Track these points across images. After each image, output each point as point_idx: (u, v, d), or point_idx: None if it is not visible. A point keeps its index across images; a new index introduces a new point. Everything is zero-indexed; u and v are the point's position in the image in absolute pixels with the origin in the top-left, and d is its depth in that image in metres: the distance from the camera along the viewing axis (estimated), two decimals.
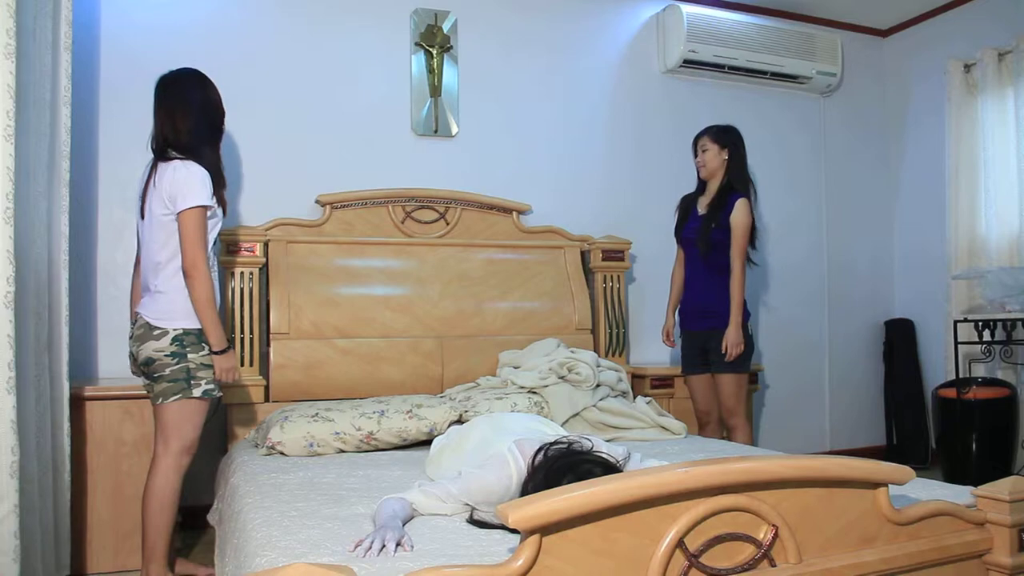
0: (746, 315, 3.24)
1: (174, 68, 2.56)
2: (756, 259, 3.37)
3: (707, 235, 3.20)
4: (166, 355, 2.37)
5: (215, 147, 2.54)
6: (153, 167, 2.46)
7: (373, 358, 3.26)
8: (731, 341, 3.12)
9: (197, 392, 2.39)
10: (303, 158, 3.51)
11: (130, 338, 2.48)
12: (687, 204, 3.40)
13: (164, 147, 2.45)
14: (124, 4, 3.27)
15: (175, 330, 2.38)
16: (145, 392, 2.58)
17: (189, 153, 2.42)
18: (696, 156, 3.33)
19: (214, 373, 2.43)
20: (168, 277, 2.41)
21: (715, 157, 3.25)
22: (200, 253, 2.36)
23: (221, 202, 2.50)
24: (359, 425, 2.71)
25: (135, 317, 2.49)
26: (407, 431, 2.75)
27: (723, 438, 3.28)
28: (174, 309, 2.39)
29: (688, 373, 3.36)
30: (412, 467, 2.40)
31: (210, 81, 2.57)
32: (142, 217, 2.49)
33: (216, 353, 2.41)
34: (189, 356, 2.38)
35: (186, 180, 2.37)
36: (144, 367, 2.43)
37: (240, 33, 3.45)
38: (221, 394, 2.52)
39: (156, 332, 2.38)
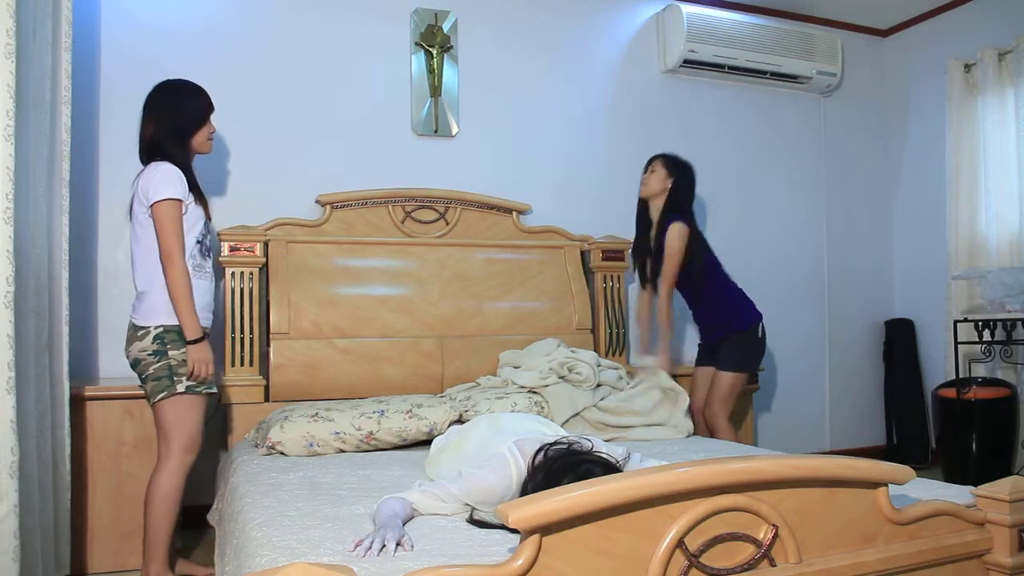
0: (758, 316, 3.27)
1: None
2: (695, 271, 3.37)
3: (658, 272, 3.30)
4: (149, 354, 2.39)
5: (183, 151, 2.54)
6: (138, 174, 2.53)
7: (373, 358, 3.26)
8: (662, 366, 3.23)
9: (180, 387, 2.39)
10: (303, 158, 3.51)
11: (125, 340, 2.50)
12: (640, 247, 3.43)
13: (141, 151, 2.55)
14: (124, 4, 3.27)
15: (156, 328, 2.39)
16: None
17: (160, 155, 2.48)
18: (644, 173, 3.38)
19: (192, 368, 2.42)
20: (146, 276, 2.44)
21: (659, 181, 3.29)
22: (175, 243, 2.38)
23: (201, 203, 2.53)
24: (359, 425, 2.71)
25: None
26: (407, 431, 2.75)
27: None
28: (154, 307, 2.41)
29: (696, 364, 3.46)
30: (412, 467, 2.40)
31: (188, 90, 2.59)
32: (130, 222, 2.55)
33: (191, 343, 2.40)
34: (170, 353, 2.39)
35: (156, 175, 2.42)
36: (134, 369, 2.45)
37: (240, 33, 3.45)
38: (214, 391, 2.51)
39: (140, 332, 2.40)
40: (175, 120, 2.53)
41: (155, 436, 2.75)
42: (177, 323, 2.41)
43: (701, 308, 3.39)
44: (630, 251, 3.57)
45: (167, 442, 2.42)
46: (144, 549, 2.42)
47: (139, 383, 2.50)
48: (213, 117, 2.64)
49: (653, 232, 3.32)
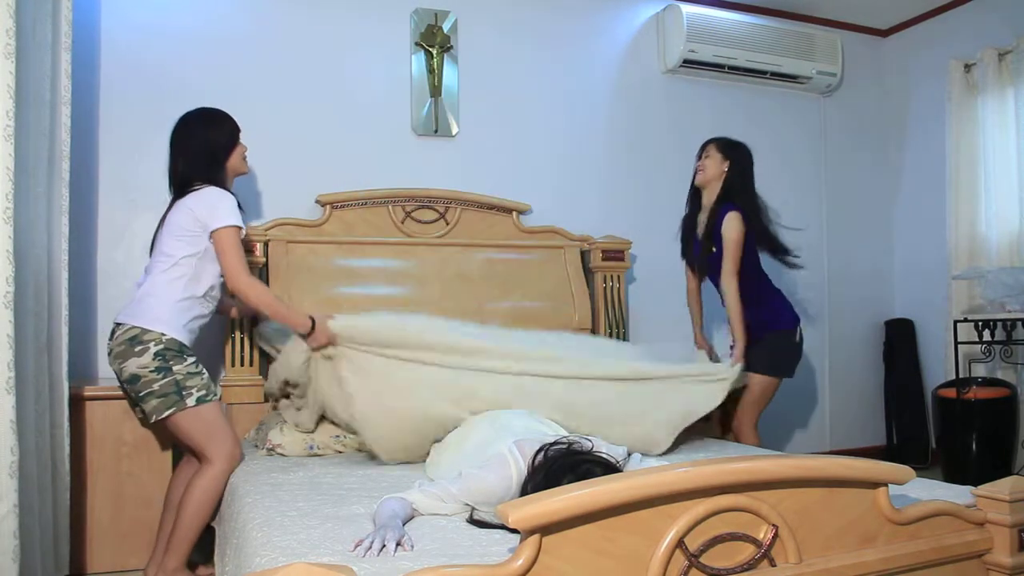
0: (796, 319, 3.17)
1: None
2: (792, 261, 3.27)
3: (704, 259, 3.18)
4: (151, 371, 2.35)
5: (219, 181, 2.55)
6: (170, 205, 2.53)
7: None
8: (737, 355, 3.05)
9: (191, 401, 2.37)
10: (303, 158, 3.51)
11: (109, 355, 2.46)
12: (688, 226, 3.32)
13: (173, 183, 2.57)
14: (124, 5, 3.27)
15: (156, 345, 2.36)
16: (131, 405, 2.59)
17: (199, 183, 2.49)
18: (698, 159, 3.26)
19: (201, 380, 2.42)
20: (168, 281, 2.43)
21: (715, 165, 3.17)
22: (243, 268, 2.46)
23: None
24: None
25: (112, 331, 2.47)
26: None
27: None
28: (160, 314, 2.40)
29: None
30: (412, 467, 2.40)
31: (218, 119, 2.61)
32: (151, 254, 2.56)
33: (305, 336, 2.53)
34: (174, 368, 2.37)
35: (217, 201, 2.46)
36: (129, 385, 2.41)
37: (240, 33, 3.45)
38: (219, 396, 2.50)
39: (138, 348, 2.36)
40: (207, 152, 2.54)
41: (154, 437, 2.76)
42: (177, 337, 2.40)
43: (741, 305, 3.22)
44: (680, 226, 3.38)
45: (206, 453, 2.39)
46: (168, 543, 2.41)
47: (131, 398, 2.48)
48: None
49: (704, 217, 3.20)
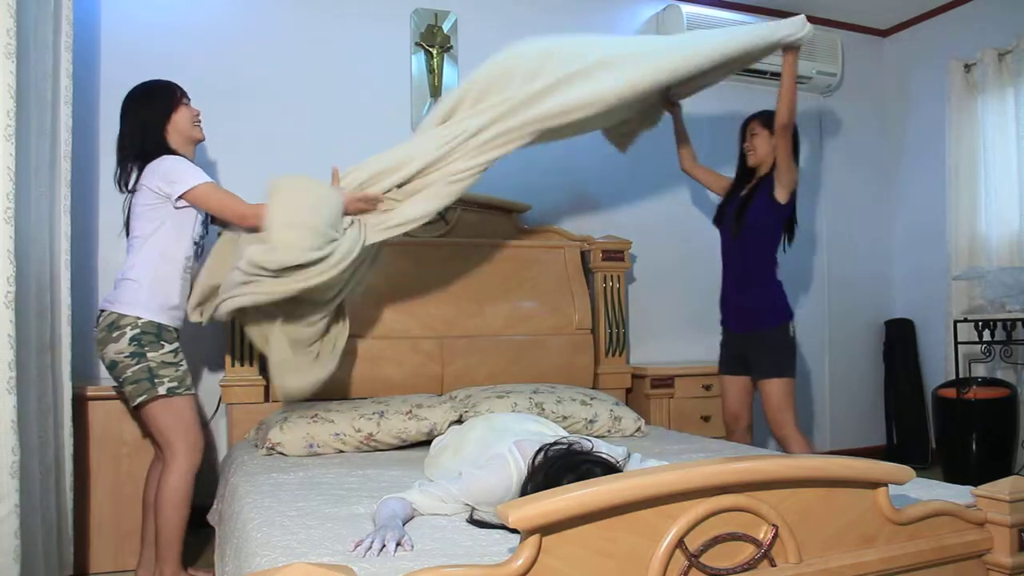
0: (790, 314, 3.08)
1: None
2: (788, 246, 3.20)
3: (743, 211, 3.03)
4: (126, 356, 2.35)
5: (163, 144, 2.48)
6: (132, 188, 2.48)
7: (373, 358, 3.25)
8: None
9: (162, 390, 2.36)
10: (303, 158, 3.49)
11: (95, 342, 2.46)
12: (733, 189, 3.21)
13: (120, 154, 2.51)
14: (125, 3, 3.27)
15: (132, 329, 2.35)
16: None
17: (150, 157, 2.44)
18: (744, 141, 3.16)
19: (176, 371, 2.41)
20: (141, 262, 2.41)
21: (765, 142, 3.06)
22: (239, 204, 2.43)
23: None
24: (359, 426, 2.72)
25: (96, 318, 2.46)
26: (407, 432, 2.76)
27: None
28: (137, 297, 2.38)
29: (723, 372, 3.20)
30: (412, 467, 2.40)
31: (150, 93, 2.54)
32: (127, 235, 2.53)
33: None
34: (148, 355, 2.36)
35: (168, 168, 2.40)
36: (110, 371, 2.42)
37: (240, 33, 3.45)
38: (192, 392, 2.47)
39: (115, 334, 2.36)
40: (145, 130, 2.49)
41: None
42: (156, 320, 2.38)
43: (739, 283, 3.12)
44: (727, 191, 3.26)
45: (170, 445, 2.39)
46: (156, 550, 2.41)
47: (115, 385, 2.49)
48: (202, 107, 2.62)
49: (751, 184, 3.09)
